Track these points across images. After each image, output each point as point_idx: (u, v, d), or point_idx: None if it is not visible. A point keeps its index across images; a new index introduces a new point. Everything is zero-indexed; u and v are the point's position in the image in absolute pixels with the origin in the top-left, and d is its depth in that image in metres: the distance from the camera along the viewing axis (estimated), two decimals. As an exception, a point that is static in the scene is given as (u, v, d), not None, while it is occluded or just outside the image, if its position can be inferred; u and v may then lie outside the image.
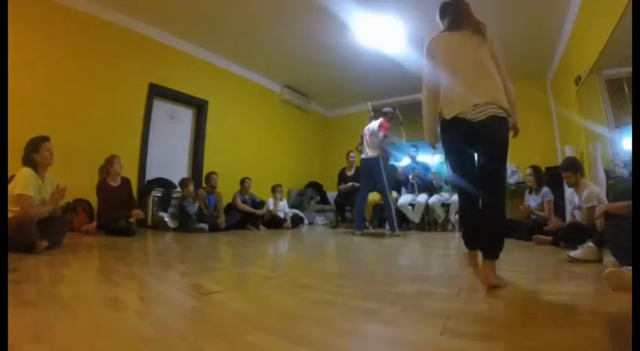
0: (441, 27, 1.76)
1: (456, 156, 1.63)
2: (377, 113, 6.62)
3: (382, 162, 3.83)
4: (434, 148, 1.80)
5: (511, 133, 1.57)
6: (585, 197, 2.57)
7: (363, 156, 4.01)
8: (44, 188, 2.20)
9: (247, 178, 4.76)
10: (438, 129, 1.65)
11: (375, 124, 3.97)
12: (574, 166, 2.77)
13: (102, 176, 3.32)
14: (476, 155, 1.59)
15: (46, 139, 2.22)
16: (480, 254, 1.51)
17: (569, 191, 2.99)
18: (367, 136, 3.99)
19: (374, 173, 3.87)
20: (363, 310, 1.08)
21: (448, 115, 1.51)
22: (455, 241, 3.35)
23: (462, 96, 1.47)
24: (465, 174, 1.60)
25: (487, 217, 1.45)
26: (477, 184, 1.51)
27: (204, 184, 4.45)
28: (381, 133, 3.83)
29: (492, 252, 1.39)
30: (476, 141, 1.49)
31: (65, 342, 0.73)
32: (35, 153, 2.16)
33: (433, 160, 5.22)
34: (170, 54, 4.55)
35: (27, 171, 2.10)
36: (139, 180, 4.10)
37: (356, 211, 4.08)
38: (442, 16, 1.76)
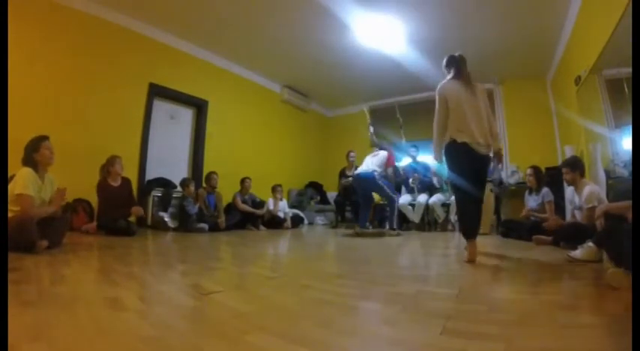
0: (446, 73, 2.33)
1: (457, 165, 2.18)
2: (376, 115, 6.64)
3: (377, 176, 3.79)
4: (439, 162, 2.33)
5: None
6: (586, 198, 2.56)
7: (355, 172, 3.99)
8: (44, 188, 2.20)
9: (247, 178, 4.76)
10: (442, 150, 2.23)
11: (380, 154, 3.98)
12: (573, 164, 2.77)
13: (102, 176, 3.32)
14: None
15: (45, 138, 2.22)
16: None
17: (569, 191, 2.99)
18: (374, 154, 4.03)
19: (371, 188, 3.88)
20: (363, 310, 1.09)
21: (459, 140, 2.10)
22: (455, 241, 3.35)
23: (470, 131, 2.10)
24: (462, 175, 2.15)
25: (477, 206, 2.21)
26: (472, 184, 2.15)
27: (204, 184, 4.45)
28: (390, 169, 3.89)
29: (475, 232, 2.09)
30: (472, 162, 2.13)
31: (65, 342, 0.73)
32: (35, 152, 2.16)
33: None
34: (170, 54, 4.55)
35: (27, 171, 2.10)
36: (139, 180, 4.10)
37: (360, 211, 4.11)
38: (448, 66, 2.32)
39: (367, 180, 3.80)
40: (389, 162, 3.90)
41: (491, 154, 2.21)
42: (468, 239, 2.07)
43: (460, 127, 2.10)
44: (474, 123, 2.11)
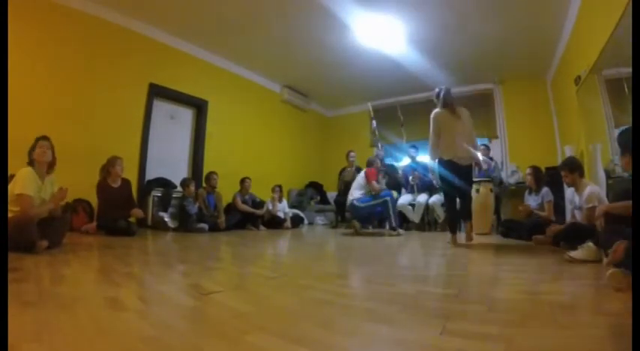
0: (436, 102, 3.05)
1: (447, 172, 2.93)
2: (376, 115, 6.63)
3: (356, 202, 3.92)
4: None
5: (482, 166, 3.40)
6: (586, 197, 2.56)
7: (350, 198, 4.05)
8: (43, 188, 2.20)
9: (247, 178, 4.76)
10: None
11: (358, 178, 4.10)
12: (571, 165, 2.76)
13: (102, 176, 3.32)
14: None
15: (43, 137, 2.23)
16: (458, 236, 2.94)
17: (569, 191, 2.98)
18: (355, 183, 4.13)
19: (362, 213, 4.03)
20: (363, 310, 1.08)
21: (445, 158, 2.92)
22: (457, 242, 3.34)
23: (453, 150, 2.87)
24: (449, 179, 2.91)
25: (467, 201, 3.08)
26: (460, 185, 2.95)
27: (204, 184, 4.45)
28: (373, 182, 3.94)
29: (469, 217, 3.02)
30: (455, 171, 2.89)
31: (65, 342, 0.73)
32: (33, 151, 2.18)
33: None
34: (170, 54, 4.55)
35: (27, 170, 2.10)
36: (139, 180, 4.10)
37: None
38: (437, 97, 3.02)
39: (354, 208, 3.99)
40: (368, 179, 3.97)
41: (472, 163, 3.03)
42: (453, 233, 2.89)
43: (446, 147, 2.90)
44: (457, 143, 2.86)
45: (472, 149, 2.93)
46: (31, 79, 3.26)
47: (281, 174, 6.01)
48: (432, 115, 3.02)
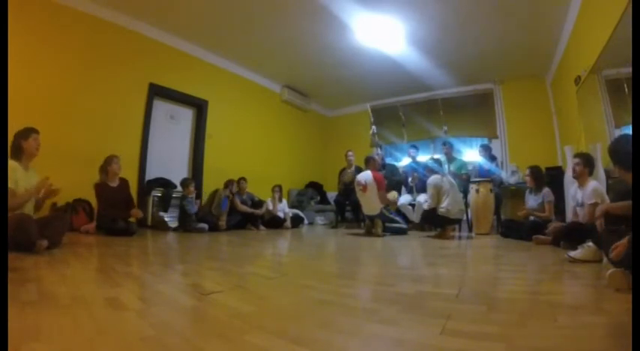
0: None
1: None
2: (376, 115, 6.62)
3: (385, 211, 3.82)
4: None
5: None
6: (590, 193, 2.54)
7: (365, 212, 3.94)
8: (27, 176, 2.19)
9: (242, 179, 4.72)
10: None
11: (368, 177, 3.75)
12: (588, 158, 2.74)
13: (101, 177, 3.31)
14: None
15: (36, 131, 2.24)
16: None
17: (572, 189, 2.98)
18: (362, 189, 3.77)
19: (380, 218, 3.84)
20: (363, 310, 1.09)
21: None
22: (455, 240, 3.35)
23: None
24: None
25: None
26: None
27: (231, 188, 4.48)
28: (383, 192, 3.79)
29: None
30: None
31: (65, 342, 0.73)
32: (24, 140, 2.17)
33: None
34: (170, 54, 4.55)
35: (9, 163, 2.08)
36: (139, 180, 4.10)
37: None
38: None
39: (378, 217, 3.82)
40: (380, 186, 3.76)
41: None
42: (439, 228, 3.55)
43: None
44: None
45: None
46: (30, 80, 3.25)
47: (281, 174, 6.01)
48: (434, 181, 3.48)
